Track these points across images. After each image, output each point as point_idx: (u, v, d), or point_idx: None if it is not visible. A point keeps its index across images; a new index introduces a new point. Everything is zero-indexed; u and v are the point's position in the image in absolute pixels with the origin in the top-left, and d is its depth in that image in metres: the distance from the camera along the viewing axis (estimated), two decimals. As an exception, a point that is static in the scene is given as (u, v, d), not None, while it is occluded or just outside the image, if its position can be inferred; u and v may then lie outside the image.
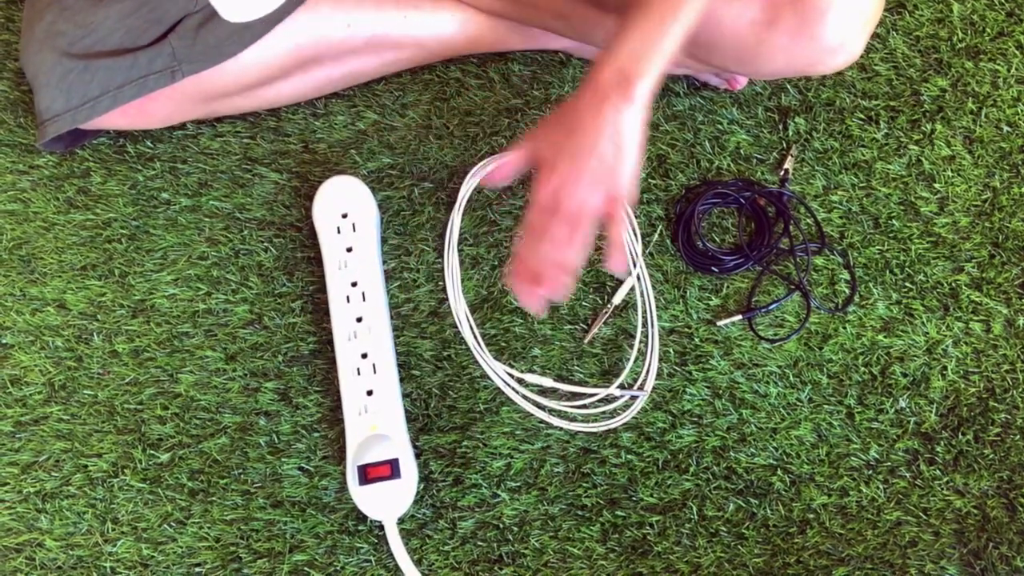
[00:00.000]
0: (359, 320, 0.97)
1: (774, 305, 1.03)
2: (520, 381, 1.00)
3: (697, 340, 1.02)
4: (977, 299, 1.03)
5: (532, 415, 0.99)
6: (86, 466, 0.98)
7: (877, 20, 0.90)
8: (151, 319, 1.02)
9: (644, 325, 1.02)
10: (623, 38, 0.80)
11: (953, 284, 1.04)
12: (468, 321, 1.01)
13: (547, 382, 0.99)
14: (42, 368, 1.01)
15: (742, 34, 0.91)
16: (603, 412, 0.99)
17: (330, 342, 1.00)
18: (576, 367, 1.01)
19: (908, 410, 1.00)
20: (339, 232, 1.01)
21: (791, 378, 1.01)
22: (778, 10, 0.88)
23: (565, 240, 0.82)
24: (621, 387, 0.99)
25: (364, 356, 0.96)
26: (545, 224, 0.82)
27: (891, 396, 1.00)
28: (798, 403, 1.00)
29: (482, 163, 1.06)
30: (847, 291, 1.04)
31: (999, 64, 1.12)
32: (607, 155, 0.81)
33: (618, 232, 0.83)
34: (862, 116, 1.10)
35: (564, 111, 0.84)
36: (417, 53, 1.08)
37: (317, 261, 1.03)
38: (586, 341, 1.02)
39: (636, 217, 1.05)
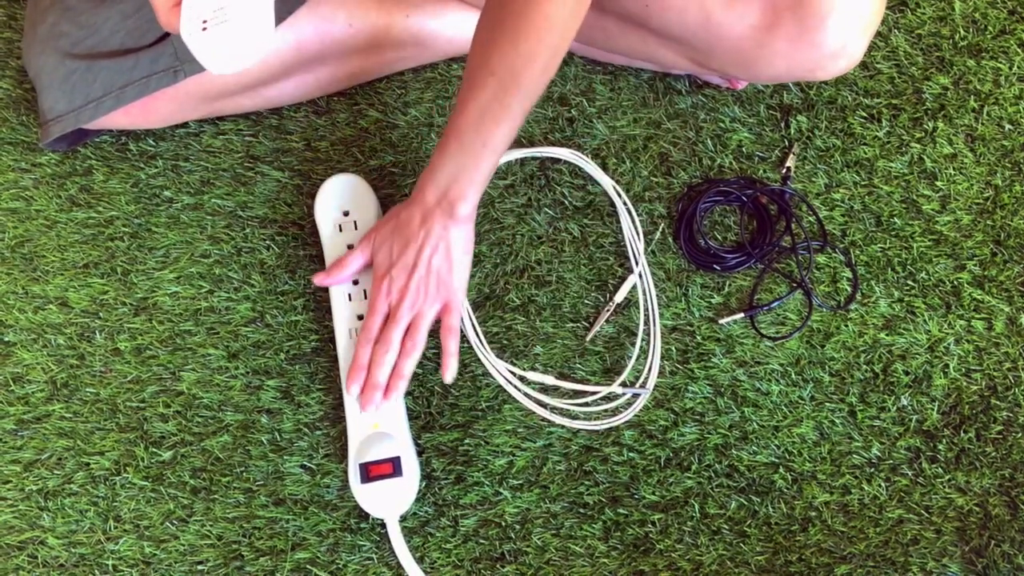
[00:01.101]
0: (361, 318, 0.97)
1: (776, 303, 1.03)
2: (522, 379, 1.00)
3: (699, 338, 1.02)
4: (979, 297, 1.03)
5: (534, 413, 0.99)
6: (88, 464, 0.98)
7: (878, 25, 0.90)
8: (153, 317, 1.02)
9: (646, 323, 1.02)
10: (442, 163, 0.88)
11: (955, 282, 1.04)
12: (470, 319, 1.02)
13: (549, 380, 1.00)
14: (44, 366, 1.01)
15: (742, 39, 0.91)
16: (605, 410, 0.99)
17: (332, 340, 1.00)
18: (578, 365, 1.01)
19: (910, 408, 1.00)
20: (341, 230, 1.01)
21: (793, 376, 1.01)
22: (778, 15, 0.88)
23: (399, 348, 0.92)
24: (623, 385, 0.99)
25: (366, 354, 0.96)
26: (380, 331, 0.93)
27: (893, 394, 1.00)
28: (800, 401, 1.00)
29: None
30: (849, 289, 1.04)
31: (1001, 62, 1.12)
32: (440, 269, 0.92)
33: (450, 342, 0.93)
34: (864, 114, 1.10)
35: (398, 223, 0.93)
36: (419, 52, 1.09)
37: (319, 259, 1.03)
38: (588, 339, 1.02)
39: (639, 215, 1.06)
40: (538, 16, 0.78)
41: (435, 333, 0.96)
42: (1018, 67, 1.12)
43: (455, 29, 1.07)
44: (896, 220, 1.06)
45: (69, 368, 1.01)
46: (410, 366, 0.92)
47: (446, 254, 0.91)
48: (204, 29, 0.73)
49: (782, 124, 1.10)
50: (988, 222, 1.06)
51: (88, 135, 1.07)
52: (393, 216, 0.94)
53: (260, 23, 0.74)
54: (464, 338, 1.01)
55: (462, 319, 1.01)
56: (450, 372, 0.93)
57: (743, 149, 1.09)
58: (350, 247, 1.00)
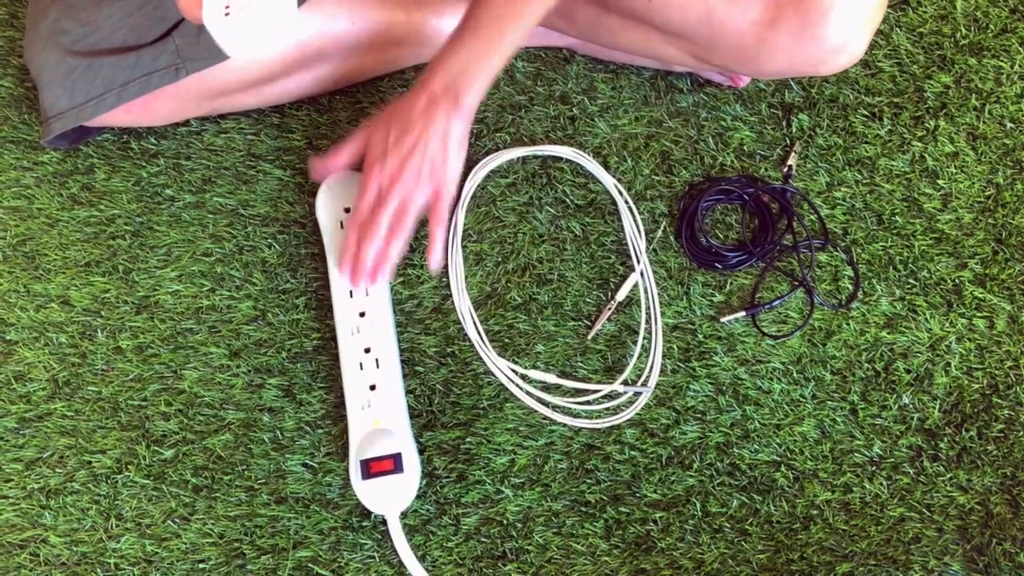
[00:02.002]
0: (362, 315, 0.97)
1: (778, 301, 1.03)
2: (524, 377, 1.00)
3: (701, 336, 1.02)
4: (980, 295, 1.03)
5: (536, 411, 0.99)
6: (90, 462, 0.98)
7: (880, 20, 0.90)
8: (155, 315, 1.02)
9: (648, 321, 1.02)
10: (455, 51, 0.88)
11: (956, 280, 1.04)
12: (472, 317, 1.02)
13: (551, 378, 1.00)
14: (46, 364, 1.01)
15: (744, 34, 0.91)
16: (607, 408, 0.99)
17: (334, 338, 1.00)
18: (580, 363, 1.01)
19: (911, 406, 1.00)
20: (342, 227, 1.01)
21: (794, 374, 1.01)
22: (780, 10, 0.88)
23: (387, 231, 0.92)
24: (625, 383, 0.99)
25: (367, 351, 0.96)
26: (371, 214, 0.92)
27: (894, 392, 1.00)
28: (801, 399, 1.00)
29: (485, 159, 1.06)
30: (850, 287, 1.04)
31: (1002, 60, 1.12)
32: (435, 157, 0.91)
33: (437, 229, 0.92)
34: (865, 112, 1.10)
35: (398, 109, 0.92)
36: (421, 50, 1.08)
37: (321, 257, 1.03)
38: (590, 337, 1.02)
39: (640, 214, 1.06)
40: None
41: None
42: (1019, 65, 1.12)
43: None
44: (897, 218, 1.06)
45: (71, 366, 1.01)
46: (396, 248, 0.92)
47: (442, 143, 0.90)
48: (227, 14, 0.73)
49: (784, 122, 1.10)
50: (989, 220, 1.06)
51: (90, 133, 1.07)
52: (394, 103, 0.93)
53: (282, 5, 0.75)
54: (465, 336, 1.01)
55: (463, 317, 1.01)
56: (435, 259, 0.92)
57: (744, 147, 1.09)
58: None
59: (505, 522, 0.96)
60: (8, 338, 1.02)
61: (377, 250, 0.92)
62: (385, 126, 0.92)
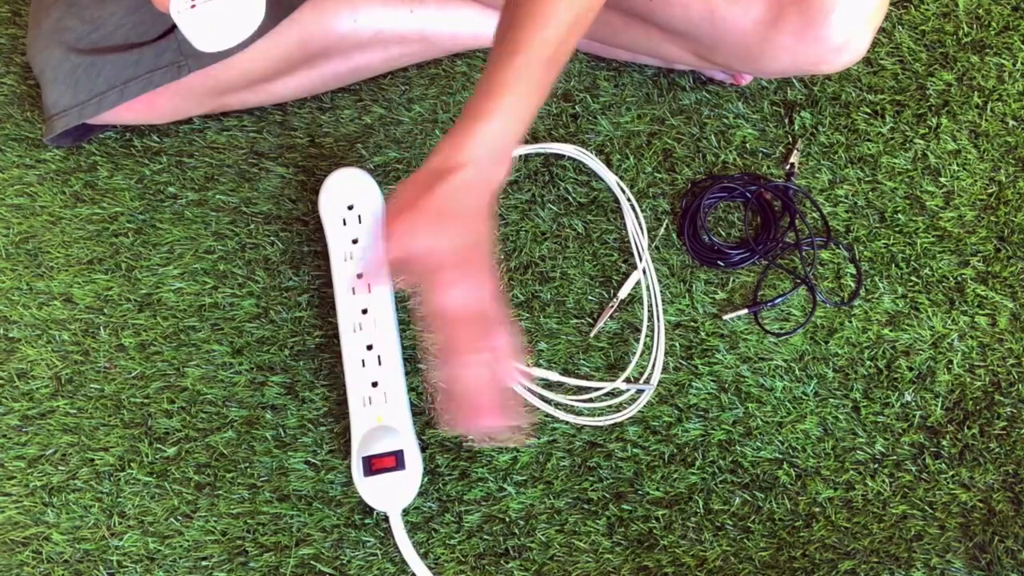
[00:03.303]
0: (364, 312, 0.97)
1: (780, 299, 1.03)
2: (526, 375, 1.00)
3: (703, 334, 1.02)
4: (983, 293, 1.03)
5: (538, 409, 0.99)
6: (92, 460, 0.98)
7: (882, 19, 0.90)
8: (158, 313, 1.03)
9: (650, 319, 1.02)
10: (486, 120, 0.70)
11: (959, 278, 1.04)
12: (474, 315, 1.01)
13: (553, 376, 0.99)
14: (48, 362, 1.01)
15: (746, 33, 0.91)
16: (609, 406, 0.99)
17: (336, 335, 1.00)
18: (582, 361, 1.01)
19: (914, 404, 1.00)
20: (345, 224, 1.01)
21: (797, 372, 1.01)
22: (782, 9, 0.88)
23: (480, 346, 0.69)
24: (627, 381, 0.99)
25: (369, 348, 0.96)
26: (451, 336, 0.69)
27: (897, 390, 1.00)
28: (804, 397, 1.00)
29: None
30: (853, 285, 1.04)
31: (1005, 58, 1.12)
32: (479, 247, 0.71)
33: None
34: (868, 110, 1.10)
35: (427, 199, 0.70)
36: (423, 48, 1.09)
37: (323, 256, 1.03)
38: (592, 335, 1.02)
39: (643, 211, 1.06)
40: None
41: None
42: (1021, 63, 1.12)
43: (459, 25, 1.07)
44: (900, 216, 1.06)
45: (73, 364, 1.01)
46: (500, 368, 0.70)
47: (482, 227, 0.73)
48: (193, 7, 0.73)
49: (786, 120, 1.10)
50: (992, 218, 1.06)
51: (92, 131, 1.08)
52: (414, 184, 0.71)
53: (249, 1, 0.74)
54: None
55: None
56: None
57: (747, 145, 1.09)
58: (354, 241, 0.99)
59: (507, 519, 0.96)
60: (11, 336, 1.02)
61: (478, 374, 0.69)
62: (418, 225, 0.70)
